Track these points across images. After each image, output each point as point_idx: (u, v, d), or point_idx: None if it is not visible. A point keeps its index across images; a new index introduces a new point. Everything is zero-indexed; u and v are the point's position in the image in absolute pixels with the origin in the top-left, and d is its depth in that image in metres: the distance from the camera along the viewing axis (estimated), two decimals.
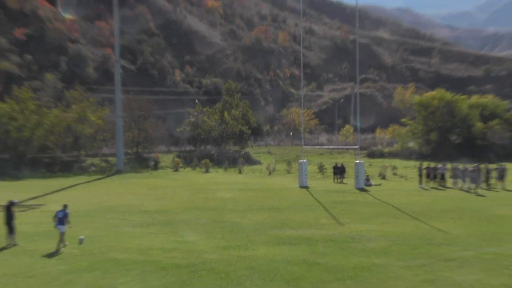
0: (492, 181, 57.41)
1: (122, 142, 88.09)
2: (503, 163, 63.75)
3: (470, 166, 61.25)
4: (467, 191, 54.54)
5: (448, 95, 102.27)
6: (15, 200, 32.05)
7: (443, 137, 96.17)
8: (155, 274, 22.91)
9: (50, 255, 26.68)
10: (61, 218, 28.34)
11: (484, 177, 57.21)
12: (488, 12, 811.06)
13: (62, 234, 28.11)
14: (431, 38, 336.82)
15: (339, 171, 67.17)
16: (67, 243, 27.91)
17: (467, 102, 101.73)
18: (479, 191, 53.83)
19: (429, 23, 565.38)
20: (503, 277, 21.85)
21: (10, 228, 29.64)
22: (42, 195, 54.34)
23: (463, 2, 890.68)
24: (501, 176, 56.54)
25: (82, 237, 29.37)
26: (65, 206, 29.25)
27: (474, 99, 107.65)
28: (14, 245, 28.99)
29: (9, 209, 30.06)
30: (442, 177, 60.08)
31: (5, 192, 51.73)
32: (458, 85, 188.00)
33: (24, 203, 47.07)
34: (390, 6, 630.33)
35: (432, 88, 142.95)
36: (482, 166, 60.76)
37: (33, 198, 52.10)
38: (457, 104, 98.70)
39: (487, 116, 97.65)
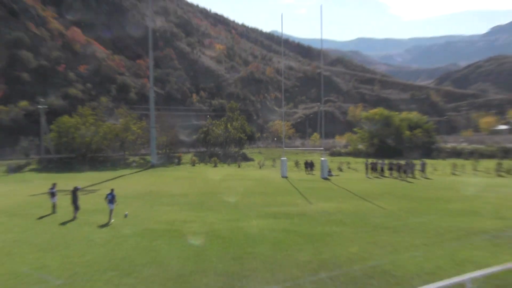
0: (416, 172, 57.55)
1: (154, 145, 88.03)
2: (424, 159, 63.85)
3: (402, 162, 61.43)
4: (399, 179, 54.63)
5: (386, 112, 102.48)
6: (79, 186, 32.09)
7: (382, 141, 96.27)
8: (178, 239, 22.88)
9: (104, 226, 26.67)
10: (110, 199, 28.43)
11: (411, 169, 57.34)
12: (412, 54, 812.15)
13: (111, 211, 28.19)
14: (374, 72, 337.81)
15: (309, 166, 67.17)
16: (112, 220, 27.77)
17: (399, 117, 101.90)
18: (408, 179, 53.92)
19: (372, 61, 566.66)
20: (422, 239, 21.89)
21: (75, 206, 29.68)
22: (98, 183, 54.21)
23: (395, 47, 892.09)
24: (423, 169, 56.76)
25: (126, 212, 29.42)
26: (112, 190, 29.37)
27: (404, 115, 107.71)
28: (76, 218, 29.02)
29: (74, 192, 30.10)
30: (382, 170, 60.17)
31: (72, 181, 51.65)
32: (392, 105, 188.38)
33: (86, 189, 46.97)
34: (345, 49, 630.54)
35: (375, 107, 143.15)
36: (410, 161, 60.88)
37: (92, 185, 51.97)
38: (392, 118, 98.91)
39: (413, 126, 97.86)
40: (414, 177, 55.31)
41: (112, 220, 27.62)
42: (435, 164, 68.34)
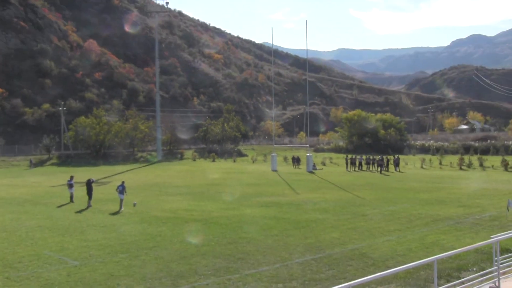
0: (391, 166, 57.60)
1: (160, 142, 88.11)
2: (398, 155, 63.95)
3: (377, 157, 61.47)
4: (375, 172, 54.69)
5: (363, 114, 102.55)
6: (93, 179, 32.17)
7: (361, 139, 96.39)
8: (181, 225, 22.80)
9: (115, 214, 26.59)
10: (121, 190, 28.37)
11: (386, 163, 57.38)
12: (386, 63, 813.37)
13: (121, 200, 28.08)
14: (352, 78, 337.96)
15: (296, 161, 67.16)
16: (123, 209, 27.60)
17: (374, 118, 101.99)
18: (383, 172, 53.99)
19: (351, 69, 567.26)
20: (395, 225, 21.85)
21: (89, 196, 29.60)
22: (110, 176, 54.12)
23: (371, 56, 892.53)
24: (397, 164, 56.71)
25: (135, 202, 29.32)
26: (123, 182, 29.42)
27: (379, 116, 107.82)
28: (90, 206, 28.91)
29: (88, 184, 30.09)
30: (360, 164, 60.21)
31: (88, 173, 51.43)
32: (369, 107, 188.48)
33: (99, 181, 46.82)
34: (327, 58, 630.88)
35: (353, 109, 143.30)
36: (385, 157, 60.95)
37: (105, 177, 51.89)
38: (369, 119, 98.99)
39: (387, 126, 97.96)
40: (388, 171, 55.38)
41: (122, 209, 27.48)
42: (406, 159, 68.47)
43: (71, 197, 31.62)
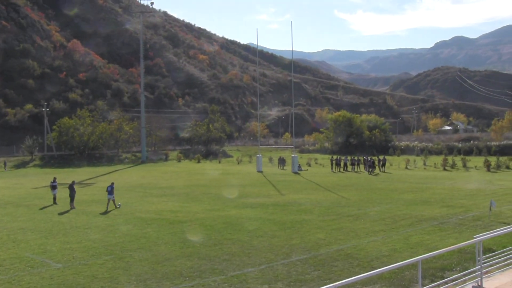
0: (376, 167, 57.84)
1: (145, 143, 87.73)
2: (383, 155, 64.30)
3: (362, 158, 61.77)
4: (360, 173, 54.93)
5: (348, 114, 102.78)
6: (75, 181, 31.97)
7: (346, 140, 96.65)
8: (166, 226, 22.72)
9: (100, 215, 26.45)
10: (110, 191, 28.54)
11: (370, 164, 57.64)
12: (371, 64, 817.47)
13: (109, 200, 28.47)
14: (337, 79, 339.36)
15: (282, 161, 67.18)
16: (119, 203, 28.67)
17: (359, 119, 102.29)
18: (368, 173, 54.25)
19: (336, 70, 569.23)
20: (380, 225, 21.89)
21: (71, 198, 29.44)
22: (94, 177, 53.80)
23: (356, 58, 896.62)
24: (383, 164, 56.95)
25: (119, 203, 29.24)
26: (112, 183, 29.53)
27: (364, 117, 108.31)
28: (74, 208, 28.72)
29: (71, 186, 29.89)
30: (345, 165, 60.40)
31: (71, 175, 51.12)
32: (354, 108, 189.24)
33: (83, 182, 46.50)
34: (312, 59, 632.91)
35: (338, 110, 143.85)
36: (370, 157, 61.22)
37: (89, 179, 51.54)
38: (354, 120, 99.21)
39: (372, 127, 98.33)
40: (373, 171, 55.61)
41: (113, 209, 27.85)
42: (391, 159, 68.78)
43: (54, 198, 31.39)
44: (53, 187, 31.65)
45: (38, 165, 76.28)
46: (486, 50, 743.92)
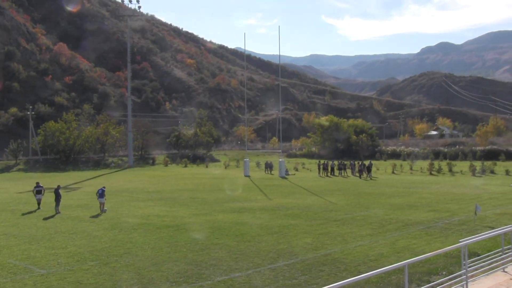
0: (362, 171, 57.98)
1: (131, 147, 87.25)
2: (369, 160, 64.53)
3: (347, 162, 61.99)
4: (346, 178, 55.09)
5: (335, 119, 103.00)
6: (61, 185, 31.70)
7: (333, 145, 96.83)
8: (153, 231, 22.58)
9: (86, 219, 26.25)
10: (101, 194, 28.83)
11: (358, 169, 57.84)
12: (358, 69, 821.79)
13: (101, 204, 28.89)
14: (325, 84, 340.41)
15: (269, 166, 67.15)
16: (105, 208, 28.69)
17: (347, 123, 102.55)
18: (363, 178, 54.43)
19: (323, 75, 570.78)
20: (367, 230, 22.00)
21: (57, 203, 29.18)
22: (80, 181, 53.44)
23: (343, 63, 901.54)
24: (369, 168, 57.05)
25: (106, 208, 29.06)
26: (103, 187, 29.91)
27: (351, 121, 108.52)
28: (59, 213, 28.49)
29: (57, 190, 29.62)
30: (332, 169, 60.52)
31: (57, 179, 50.76)
32: (341, 113, 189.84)
33: (69, 186, 46.15)
34: (300, 64, 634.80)
35: (326, 114, 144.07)
36: (356, 162, 61.45)
37: (75, 183, 51.19)
38: (341, 125, 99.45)
39: (358, 132, 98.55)
40: (360, 176, 55.78)
41: (103, 213, 28.01)
42: (378, 164, 69.05)
43: (39, 203, 31.05)
44: (38, 191, 31.29)
45: (23, 169, 75.55)
46: (470, 56, 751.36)
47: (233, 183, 49.92)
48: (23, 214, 28.86)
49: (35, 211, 30.05)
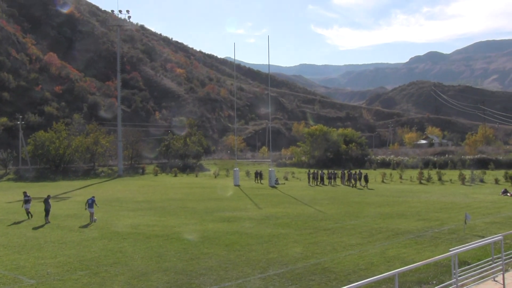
0: (352, 181, 58.06)
1: (121, 157, 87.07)
2: (359, 170, 64.66)
3: (338, 171, 62.09)
4: (336, 187, 55.15)
5: (325, 128, 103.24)
6: (50, 195, 31.48)
7: (322, 154, 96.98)
8: (142, 241, 22.45)
9: (76, 229, 26.06)
10: (90, 203, 28.73)
11: (348, 177, 57.93)
12: (347, 78, 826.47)
13: (91, 214, 28.73)
14: (314, 93, 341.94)
15: (259, 175, 67.12)
16: (95, 218, 28.63)
17: (336, 132, 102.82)
18: (344, 186, 54.50)
19: (312, 84, 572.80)
20: (357, 239, 21.97)
21: (47, 212, 28.95)
22: (70, 191, 53.09)
23: (333, 72, 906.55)
24: (359, 178, 57.07)
25: (95, 217, 28.90)
26: (93, 196, 29.79)
27: (340, 130, 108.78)
28: (49, 223, 28.29)
29: (47, 200, 29.40)
30: (322, 178, 60.58)
31: (46, 189, 50.40)
32: (331, 122, 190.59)
33: (59, 196, 45.84)
34: (289, 73, 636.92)
35: (315, 123, 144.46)
36: (346, 171, 61.57)
37: (64, 193, 50.84)
38: (330, 134, 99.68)
39: (348, 141, 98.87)
40: (354, 185, 55.87)
41: (93, 223, 27.87)
42: (367, 173, 69.27)
43: (28, 213, 30.79)
44: (26, 201, 31.02)
45: (12, 179, 75.07)
46: (459, 65, 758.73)
47: (223, 192, 49.82)
48: (13, 224, 28.63)
49: (24, 220, 29.79)
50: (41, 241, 22.79)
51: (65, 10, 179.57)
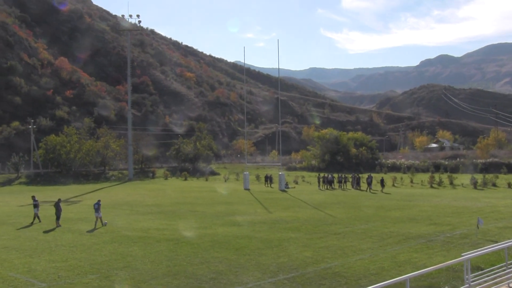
0: (362, 185, 57.84)
1: (132, 161, 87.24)
2: (370, 173, 64.41)
3: (348, 175, 61.86)
4: (346, 190, 54.95)
5: (335, 132, 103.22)
6: (61, 199, 31.59)
7: (332, 158, 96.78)
8: (152, 245, 22.48)
9: (86, 233, 26.14)
10: (97, 208, 28.49)
11: (356, 181, 57.73)
12: (357, 82, 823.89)
13: (97, 218, 28.48)
14: (324, 97, 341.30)
15: (269, 179, 67.04)
16: (106, 221, 28.61)
17: (346, 136, 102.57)
18: (355, 190, 54.29)
19: (322, 88, 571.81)
20: (367, 243, 21.88)
21: (57, 216, 29.05)
22: (81, 195, 53.32)
23: (342, 76, 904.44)
24: (370, 182, 56.77)
25: (106, 221, 29.00)
26: (99, 200, 29.42)
27: (350, 134, 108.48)
28: (59, 226, 28.39)
29: (57, 204, 29.50)
30: (332, 182, 60.36)
31: (57, 193, 50.65)
32: (341, 126, 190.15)
33: (69, 200, 46.03)
34: (299, 77, 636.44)
35: (325, 127, 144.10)
36: (356, 175, 61.35)
37: (75, 196, 51.06)
38: (340, 138, 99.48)
39: (358, 145, 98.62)
40: (360, 189, 55.66)
41: (101, 227, 27.69)
42: (377, 177, 68.96)
43: (36, 217, 30.83)
44: (35, 205, 31.05)
45: (24, 182, 75.49)
46: (470, 68, 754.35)
47: (233, 196, 49.81)
48: (24, 227, 28.77)
49: (35, 224, 29.94)
50: (52, 245, 22.92)
51: (75, 15, 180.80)
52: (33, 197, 31.87)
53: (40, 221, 30.52)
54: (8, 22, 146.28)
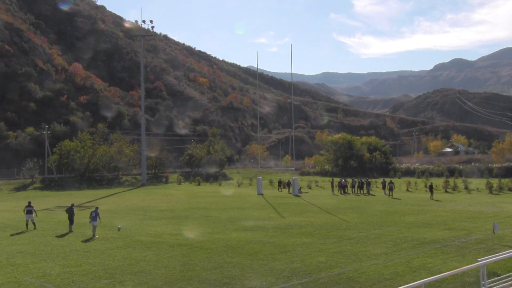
0: (377, 189, 57.54)
1: (145, 166, 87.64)
2: (383, 178, 64.07)
3: (363, 180, 61.60)
4: (360, 195, 54.72)
5: (348, 137, 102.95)
6: (75, 204, 31.64)
7: (346, 162, 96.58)
8: (166, 250, 22.53)
9: (99, 238, 26.18)
10: (94, 216, 27.27)
11: (382, 186, 57.44)
12: (370, 86, 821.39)
13: (94, 227, 27.14)
14: (337, 102, 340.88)
15: (282, 184, 66.95)
16: (96, 236, 26.62)
17: (360, 141, 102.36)
18: (368, 195, 54.03)
19: (335, 93, 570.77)
20: (382, 248, 21.76)
21: (71, 221, 29.13)
22: (95, 200, 53.56)
23: (356, 80, 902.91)
24: (383, 186, 56.45)
25: (119, 226, 29.06)
26: (96, 208, 28.46)
27: (364, 139, 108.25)
28: (72, 232, 28.52)
29: (71, 208, 29.57)
30: (346, 187, 60.14)
31: (71, 198, 50.96)
32: (354, 130, 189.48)
33: (83, 205, 46.30)
34: (312, 82, 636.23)
35: (338, 132, 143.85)
36: (370, 180, 61.08)
37: (89, 201, 51.30)
38: (354, 142, 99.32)
39: (372, 149, 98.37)
40: (373, 194, 55.37)
41: (96, 236, 26.61)
42: (392, 180, 68.62)
43: (28, 224, 30.36)
44: (28, 211, 30.47)
45: (39, 187, 76.12)
46: (485, 72, 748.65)
47: (246, 201, 49.81)
48: (39, 232, 28.94)
49: (25, 231, 29.62)
50: (66, 250, 23.05)
51: (89, 22, 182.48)
52: (29, 203, 31.40)
53: (35, 228, 30.21)
54: (23, 28, 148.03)
